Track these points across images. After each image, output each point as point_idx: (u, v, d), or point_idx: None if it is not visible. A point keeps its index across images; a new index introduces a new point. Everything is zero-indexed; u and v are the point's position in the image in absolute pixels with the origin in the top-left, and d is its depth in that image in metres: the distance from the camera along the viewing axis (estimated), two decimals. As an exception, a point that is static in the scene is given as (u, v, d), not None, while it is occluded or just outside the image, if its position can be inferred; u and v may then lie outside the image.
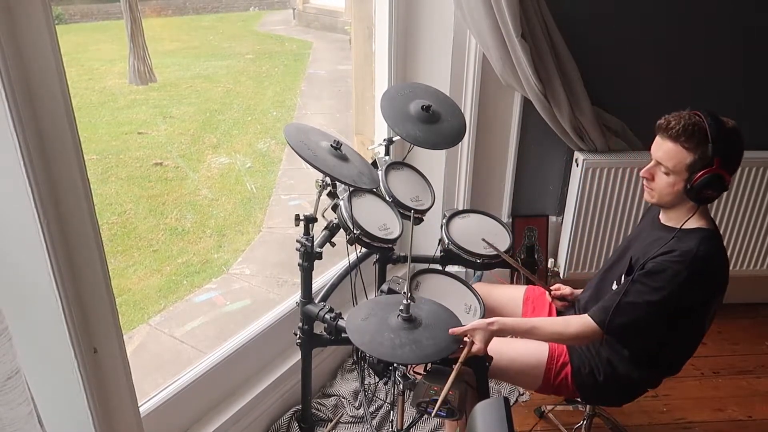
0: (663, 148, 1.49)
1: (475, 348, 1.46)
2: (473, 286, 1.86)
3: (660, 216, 1.63)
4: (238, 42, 7.17)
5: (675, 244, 1.50)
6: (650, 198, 1.58)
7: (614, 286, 1.63)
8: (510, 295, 1.96)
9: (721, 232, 2.57)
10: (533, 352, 1.72)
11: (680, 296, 1.48)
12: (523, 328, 1.59)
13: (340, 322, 1.67)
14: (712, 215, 2.54)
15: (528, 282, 2.21)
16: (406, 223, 1.77)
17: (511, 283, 2.67)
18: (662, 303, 1.49)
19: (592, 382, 1.67)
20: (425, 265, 1.91)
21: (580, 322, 1.57)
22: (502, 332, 1.53)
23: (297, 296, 1.82)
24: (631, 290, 1.52)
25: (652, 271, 1.49)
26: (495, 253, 1.85)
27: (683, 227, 1.53)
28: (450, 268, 1.91)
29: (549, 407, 2.22)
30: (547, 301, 1.91)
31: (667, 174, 1.49)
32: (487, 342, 1.49)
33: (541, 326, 1.59)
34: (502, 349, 1.59)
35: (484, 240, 1.84)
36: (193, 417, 1.90)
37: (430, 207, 1.91)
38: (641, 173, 1.56)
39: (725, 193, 2.48)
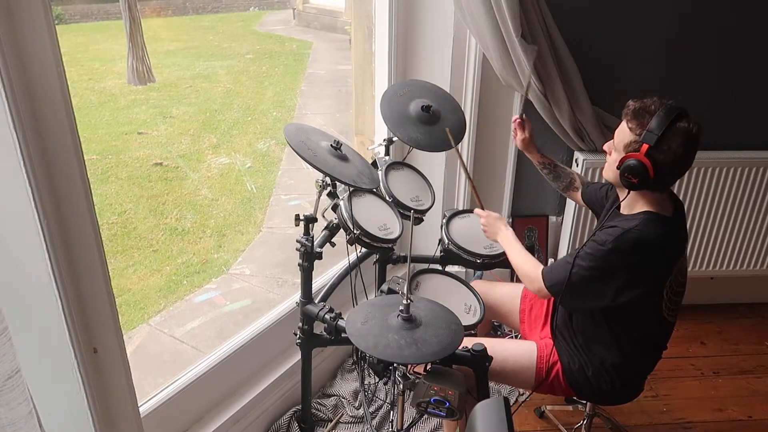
0: (619, 125, 1.55)
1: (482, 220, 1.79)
2: (472, 283, 1.86)
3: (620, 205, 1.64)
4: (238, 42, 7.16)
5: (614, 221, 1.55)
6: (605, 174, 1.63)
7: None
8: (508, 292, 1.96)
9: (722, 231, 2.59)
10: (524, 351, 1.73)
11: (604, 265, 1.50)
12: (509, 246, 1.74)
13: (340, 322, 1.67)
14: (711, 215, 2.58)
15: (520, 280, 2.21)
16: (406, 223, 1.77)
17: (511, 281, 2.67)
18: (590, 268, 1.51)
19: (583, 378, 1.67)
20: (425, 265, 1.91)
21: (534, 269, 1.64)
22: (504, 236, 1.75)
23: (297, 296, 1.82)
24: (566, 257, 1.58)
25: (588, 242, 1.55)
26: (496, 252, 1.86)
27: (633, 212, 1.56)
28: (450, 268, 1.91)
29: (549, 407, 2.22)
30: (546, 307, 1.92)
31: (615, 151, 1.54)
32: (491, 229, 1.80)
33: (516, 255, 1.71)
34: (495, 350, 1.60)
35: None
36: (193, 417, 1.90)
37: (430, 207, 1.91)
38: (603, 146, 1.63)
39: (725, 193, 2.51)
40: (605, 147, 1.61)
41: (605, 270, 1.52)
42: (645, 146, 1.45)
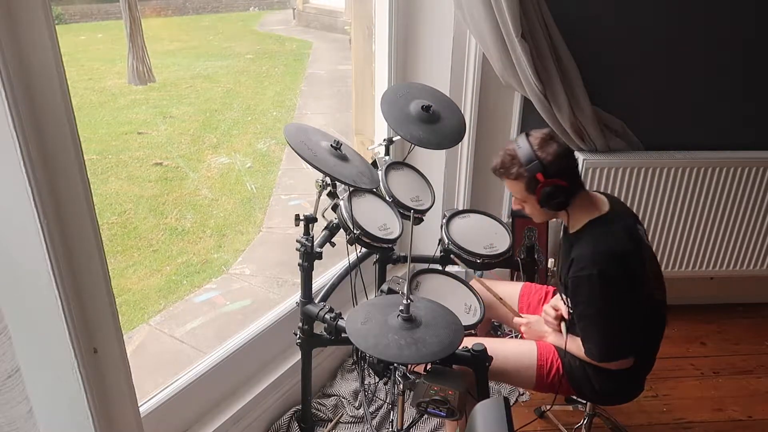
0: (507, 185, 1.65)
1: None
2: (471, 282, 1.86)
3: (567, 226, 1.71)
4: (238, 42, 7.17)
5: (574, 252, 1.60)
6: (537, 221, 1.73)
7: (563, 306, 1.73)
8: (506, 291, 1.96)
9: (722, 231, 2.59)
10: (525, 351, 1.74)
11: (611, 291, 1.55)
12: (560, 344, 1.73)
13: (340, 322, 1.67)
14: (711, 215, 2.58)
15: (520, 280, 2.22)
16: (406, 223, 1.77)
17: (511, 280, 2.67)
18: (606, 307, 1.56)
19: (583, 376, 1.67)
20: (425, 265, 1.91)
21: (587, 358, 1.66)
22: (551, 338, 1.75)
23: (297, 296, 1.82)
24: (579, 315, 1.61)
25: (573, 290, 1.60)
26: (496, 252, 1.86)
27: (577, 230, 1.63)
28: (450, 268, 1.91)
29: (549, 407, 2.22)
30: (542, 298, 1.92)
31: (524, 202, 1.64)
32: (533, 336, 1.78)
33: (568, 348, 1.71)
34: (496, 349, 1.60)
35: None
36: (193, 417, 1.90)
37: (430, 207, 1.91)
38: (513, 206, 1.73)
39: (725, 193, 2.51)
40: (515, 207, 1.70)
41: (607, 296, 1.56)
42: (539, 174, 1.55)
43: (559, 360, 1.71)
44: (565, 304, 1.71)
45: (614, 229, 1.60)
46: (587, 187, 1.96)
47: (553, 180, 1.55)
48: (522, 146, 1.57)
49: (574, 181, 1.59)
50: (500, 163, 1.60)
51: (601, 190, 2.44)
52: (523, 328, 1.82)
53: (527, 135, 1.59)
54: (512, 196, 1.68)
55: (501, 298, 1.84)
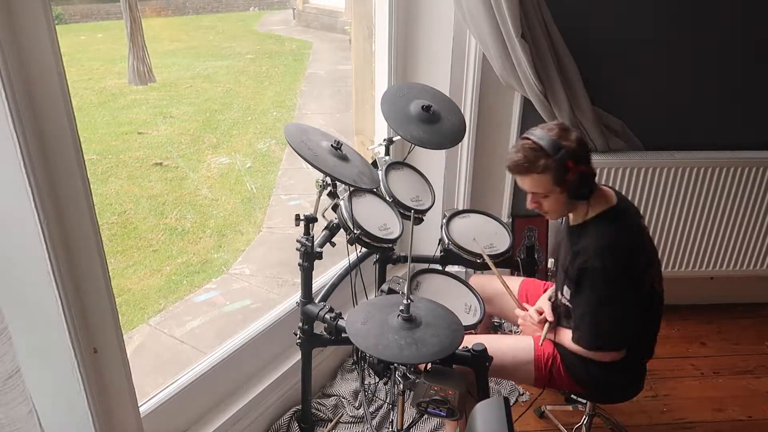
0: (526, 183, 1.58)
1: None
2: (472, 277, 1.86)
3: (570, 218, 1.69)
4: (238, 42, 7.17)
5: (581, 243, 1.59)
6: (553, 218, 1.67)
7: (562, 297, 1.71)
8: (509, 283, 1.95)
9: (722, 231, 2.59)
10: (523, 346, 1.74)
11: (614, 283, 1.55)
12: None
13: (340, 322, 1.67)
14: (711, 215, 2.58)
15: (527, 275, 2.21)
16: (406, 223, 1.77)
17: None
18: (607, 297, 1.56)
19: (583, 369, 1.67)
20: (425, 265, 1.91)
21: (570, 344, 1.67)
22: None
23: (297, 296, 1.82)
24: (579, 303, 1.61)
25: (576, 280, 1.59)
26: (496, 252, 1.86)
27: (582, 221, 1.62)
28: (450, 268, 1.91)
29: (549, 407, 2.22)
30: (543, 292, 1.92)
31: (546, 197, 1.57)
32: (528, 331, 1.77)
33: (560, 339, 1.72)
34: (493, 346, 1.60)
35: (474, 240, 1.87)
36: (193, 417, 1.90)
37: (430, 207, 1.91)
38: (528, 206, 1.63)
39: (725, 193, 2.51)
40: (532, 206, 1.63)
41: (609, 287, 1.56)
42: (569, 162, 1.51)
43: (557, 353, 1.70)
44: (561, 295, 1.71)
45: (624, 222, 1.60)
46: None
47: (582, 166, 1.52)
48: (542, 137, 1.51)
49: (593, 174, 1.57)
50: (523, 158, 1.52)
51: (601, 190, 2.44)
52: (519, 321, 1.81)
53: (539, 129, 1.55)
54: (528, 195, 1.61)
55: (508, 286, 1.82)
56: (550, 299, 1.80)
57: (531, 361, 1.71)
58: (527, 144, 1.53)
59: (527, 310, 1.81)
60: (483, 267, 1.88)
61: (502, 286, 1.84)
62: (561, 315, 1.75)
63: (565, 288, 1.68)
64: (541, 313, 1.77)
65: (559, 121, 1.60)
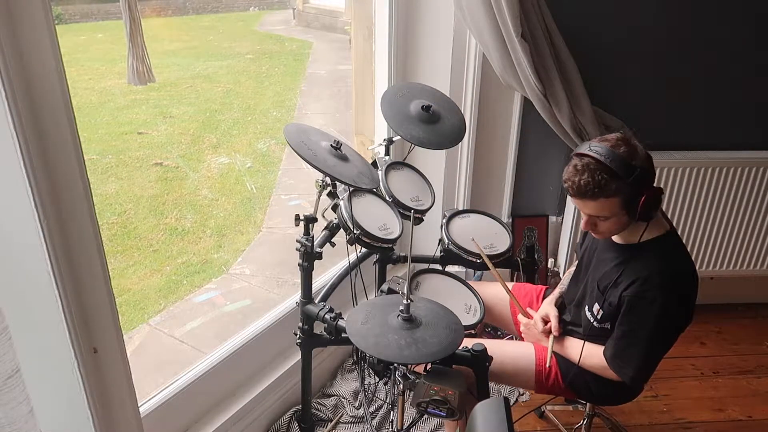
0: (589, 207, 1.42)
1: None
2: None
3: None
4: (238, 42, 7.16)
5: (635, 266, 1.47)
6: (603, 237, 1.54)
7: (588, 313, 1.62)
8: (499, 292, 1.93)
9: (722, 231, 2.59)
10: (523, 353, 1.73)
11: (675, 319, 1.49)
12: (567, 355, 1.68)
13: (340, 322, 1.67)
14: (711, 215, 2.57)
15: (519, 280, 2.20)
16: (406, 223, 1.77)
17: (510, 281, 2.67)
18: (659, 332, 1.50)
19: (581, 379, 1.67)
20: (425, 265, 1.91)
21: (600, 363, 1.60)
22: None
23: (297, 296, 1.82)
24: (626, 331, 1.52)
25: (628, 309, 1.48)
26: (496, 252, 1.86)
27: (636, 243, 1.49)
28: (450, 268, 1.90)
29: (549, 407, 2.22)
30: (535, 297, 1.92)
31: (607, 219, 1.44)
32: (530, 339, 1.74)
33: (579, 357, 1.63)
34: (494, 352, 1.60)
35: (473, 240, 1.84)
36: (193, 417, 1.90)
37: (430, 207, 1.91)
38: (583, 228, 1.50)
39: (725, 193, 2.51)
40: (587, 228, 1.49)
41: (665, 323, 1.48)
42: (643, 184, 1.37)
43: (557, 363, 1.70)
44: (589, 311, 1.61)
45: (685, 252, 1.48)
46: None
47: (655, 188, 1.38)
48: (608, 155, 1.34)
49: (662, 193, 1.43)
50: (592, 182, 1.34)
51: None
52: (522, 329, 1.80)
53: (598, 144, 1.38)
54: (584, 217, 1.46)
55: (510, 291, 1.78)
56: (555, 304, 1.78)
57: (531, 369, 1.70)
58: (591, 164, 1.35)
59: (532, 317, 1.77)
60: (483, 267, 1.88)
61: (502, 289, 1.83)
62: (572, 327, 1.72)
63: (596, 305, 1.58)
64: (546, 322, 1.72)
65: (618, 133, 1.42)
